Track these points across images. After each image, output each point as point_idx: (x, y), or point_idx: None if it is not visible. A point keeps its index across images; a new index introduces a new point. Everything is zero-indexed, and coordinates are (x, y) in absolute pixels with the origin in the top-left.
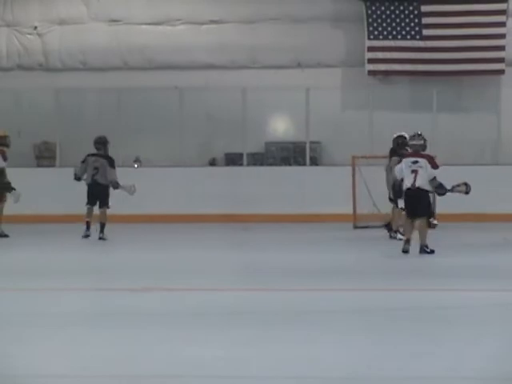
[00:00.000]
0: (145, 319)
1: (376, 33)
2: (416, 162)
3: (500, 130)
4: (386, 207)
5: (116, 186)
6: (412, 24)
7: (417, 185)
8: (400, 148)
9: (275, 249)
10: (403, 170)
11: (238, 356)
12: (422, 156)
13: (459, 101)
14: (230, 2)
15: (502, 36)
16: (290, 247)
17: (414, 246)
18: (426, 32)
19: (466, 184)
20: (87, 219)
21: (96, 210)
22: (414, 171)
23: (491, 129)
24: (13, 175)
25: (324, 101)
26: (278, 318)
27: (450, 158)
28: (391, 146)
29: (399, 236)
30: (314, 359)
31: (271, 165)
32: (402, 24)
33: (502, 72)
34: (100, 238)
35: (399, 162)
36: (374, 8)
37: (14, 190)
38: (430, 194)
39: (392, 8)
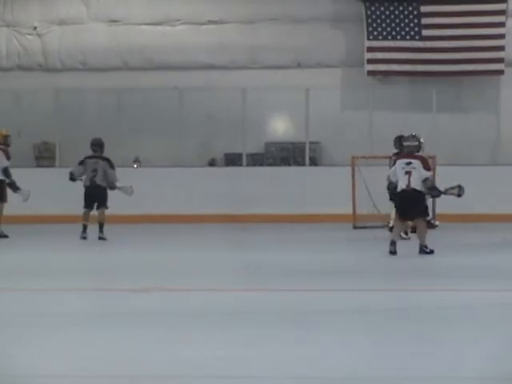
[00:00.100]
0: (145, 319)
1: (375, 33)
2: (410, 163)
3: (499, 130)
4: (386, 207)
5: (113, 187)
6: (411, 24)
7: (412, 186)
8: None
9: (275, 249)
10: (397, 171)
11: (238, 356)
12: (416, 157)
13: (459, 101)
14: (230, 2)
15: (502, 36)
16: (289, 247)
17: (414, 246)
18: (425, 32)
19: (459, 186)
20: (84, 222)
21: (93, 211)
22: (408, 172)
23: (490, 129)
24: (13, 175)
25: (324, 101)
26: (278, 318)
27: (450, 158)
28: (395, 150)
29: (403, 235)
30: (313, 359)
31: (271, 165)
32: (402, 24)
33: (501, 72)
34: (100, 238)
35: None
36: (373, 8)
37: (19, 189)
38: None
39: (391, 8)
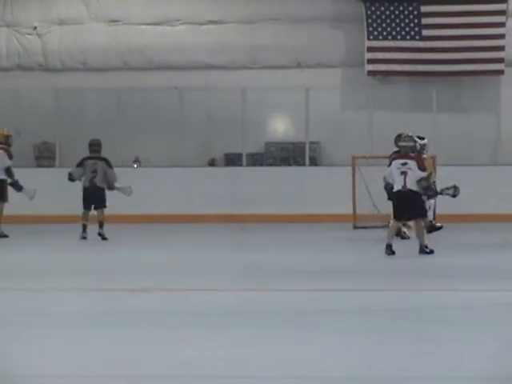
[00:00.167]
0: (145, 319)
1: (376, 33)
2: (405, 163)
3: (499, 130)
4: (386, 207)
5: (112, 187)
6: (411, 24)
7: (408, 186)
8: None
9: (275, 249)
10: (392, 171)
11: (238, 356)
12: (412, 158)
13: (459, 101)
14: (230, 2)
15: (502, 36)
16: (289, 247)
17: (414, 246)
18: (425, 32)
19: (454, 187)
20: (84, 222)
21: (92, 211)
22: (404, 173)
23: (491, 129)
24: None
25: (324, 101)
26: (278, 318)
27: (450, 158)
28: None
29: (406, 233)
30: (314, 359)
31: (271, 165)
32: (402, 24)
33: (501, 72)
34: (100, 234)
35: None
36: (373, 8)
37: (23, 188)
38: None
39: (391, 8)
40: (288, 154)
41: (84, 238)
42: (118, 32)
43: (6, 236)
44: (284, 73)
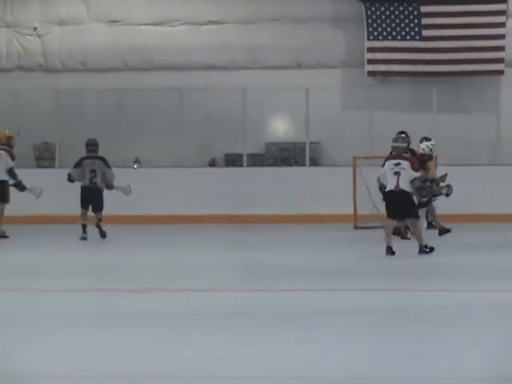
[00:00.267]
0: (145, 320)
1: (376, 33)
2: (398, 163)
3: (499, 131)
4: None
5: (111, 187)
6: (412, 25)
7: (400, 186)
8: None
9: (275, 249)
10: (386, 172)
11: (238, 356)
12: (405, 158)
13: (459, 101)
14: (230, 3)
15: (502, 37)
16: (290, 248)
17: (414, 246)
18: (425, 33)
19: (448, 186)
20: (83, 222)
21: (90, 212)
22: (397, 173)
23: (491, 129)
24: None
25: (324, 101)
26: (278, 318)
27: (450, 158)
28: (419, 153)
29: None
30: (314, 359)
31: (271, 165)
32: (402, 25)
33: (501, 73)
34: (98, 226)
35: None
36: (373, 9)
37: (26, 188)
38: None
39: (392, 9)
40: (288, 155)
41: (84, 238)
42: (118, 32)
43: (6, 236)
44: (284, 73)
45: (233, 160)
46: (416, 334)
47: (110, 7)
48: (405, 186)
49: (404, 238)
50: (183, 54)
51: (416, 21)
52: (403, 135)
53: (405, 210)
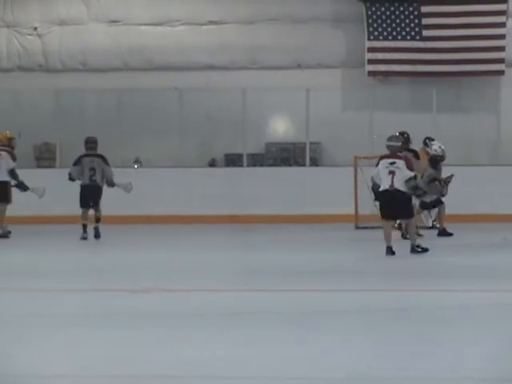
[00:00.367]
0: (145, 320)
1: (376, 33)
2: (393, 163)
3: (500, 131)
4: None
5: (112, 184)
6: (412, 25)
7: (395, 186)
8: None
9: (275, 249)
10: (380, 171)
11: (238, 356)
12: (400, 157)
13: (459, 101)
14: (229, 3)
15: (502, 37)
16: (290, 248)
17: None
18: (425, 33)
19: (442, 186)
20: (84, 221)
21: (90, 210)
22: (392, 172)
23: (491, 129)
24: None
25: (324, 101)
26: (278, 318)
27: (450, 158)
28: (431, 154)
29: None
30: (314, 359)
31: (271, 165)
32: (402, 25)
33: (501, 73)
34: (96, 235)
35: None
36: (373, 9)
37: (28, 188)
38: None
39: (392, 9)
40: (288, 155)
41: (84, 238)
42: (118, 32)
43: (6, 237)
44: (284, 73)
45: (233, 160)
46: (416, 334)
47: (110, 7)
48: (400, 185)
49: (405, 237)
50: (183, 54)
51: (416, 21)
52: (397, 134)
53: (400, 209)
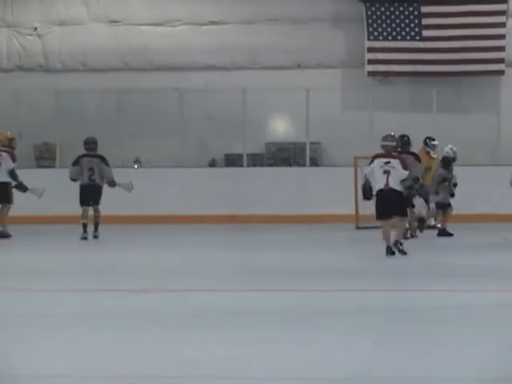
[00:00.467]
0: (145, 320)
1: (376, 34)
2: (388, 162)
3: (499, 131)
4: None
5: (113, 184)
6: (412, 25)
7: (390, 185)
8: (404, 147)
9: (275, 249)
10: (374, 170)
11: (238, 356)
12: (395, 157)
13: (459, 101)
14: (230, 3)
15: (502, 37)
16: (290, 248)
17: (414, 246)
18: (425, 33)
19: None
20: (84, 221)
21: (90, 210)
22: (387, 172)
23: (491, 129)
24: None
25: (324, 101)
26: (278, 318)
27: None
28: (443, 155)
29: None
30: (314, 359)
31: (271, 165)
32: (402, 25)
33: (501, 73)
34: (95, 237)
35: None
36: (373, 9)
37: (28, 188)
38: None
39: (392, 9)
40: (288, 155)
41: (85, 238)
42: (118, 33)
43: (7, 237)
44: (284, 73)
45: (233, 160)
46: (416, 334)
47: (110, 7)
48: (395, 184)
49: (405, 237)
50: (183, 55)
51: (416, 21)
52: (392, 133)
53: (394, 208)
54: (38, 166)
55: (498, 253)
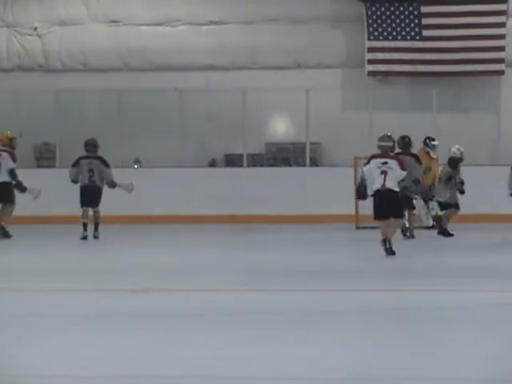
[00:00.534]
0: (145, 320)
1: (376, 34)
2: (385, 162)
3: (499, 131)
4: None
5: (113, 185)
6: (412, 25)
7: (387, 186)
8: (405, 148)
9: (275, 249)
10: (371, 170)
11: (238, 356)
12: (392, 157)
13: (459, 101)
14: (229, 3)
15: (502, 37)
16: (290, 248)
17: (414, 246)
18: (425, 33)
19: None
20: (84, 220)
21: (90, 210)
22: (384, 172)
23: (491, 129)
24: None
25: (324, 101)
26: (278, 318)
27: None
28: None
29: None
30: (314, 359)
31: (271, 166)
32: (402, 25)
33: (501, 73)
34: (95, 237)
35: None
36: (373, 9)
37: (26, 188)
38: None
39: (392, 9)
40: (288, 155)
41: (85, 237)
42: (118, 33)
43: (7, 236)
44: (284, 73)
45: (233, 160)
46: (416, 334)
47: (110, 7)
48: (392, 185)
49: (405, 235)
50: (183, 55)
51: (416, 21)
52: (389, 133)
53: (391, 208)
54: (38, 166)
55: (498, 253)
